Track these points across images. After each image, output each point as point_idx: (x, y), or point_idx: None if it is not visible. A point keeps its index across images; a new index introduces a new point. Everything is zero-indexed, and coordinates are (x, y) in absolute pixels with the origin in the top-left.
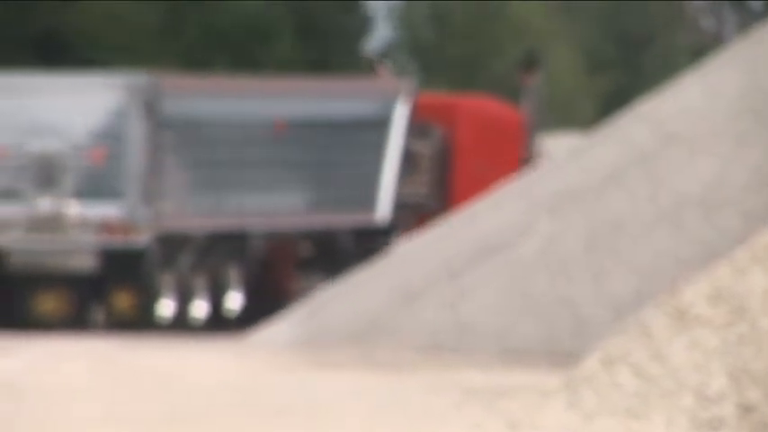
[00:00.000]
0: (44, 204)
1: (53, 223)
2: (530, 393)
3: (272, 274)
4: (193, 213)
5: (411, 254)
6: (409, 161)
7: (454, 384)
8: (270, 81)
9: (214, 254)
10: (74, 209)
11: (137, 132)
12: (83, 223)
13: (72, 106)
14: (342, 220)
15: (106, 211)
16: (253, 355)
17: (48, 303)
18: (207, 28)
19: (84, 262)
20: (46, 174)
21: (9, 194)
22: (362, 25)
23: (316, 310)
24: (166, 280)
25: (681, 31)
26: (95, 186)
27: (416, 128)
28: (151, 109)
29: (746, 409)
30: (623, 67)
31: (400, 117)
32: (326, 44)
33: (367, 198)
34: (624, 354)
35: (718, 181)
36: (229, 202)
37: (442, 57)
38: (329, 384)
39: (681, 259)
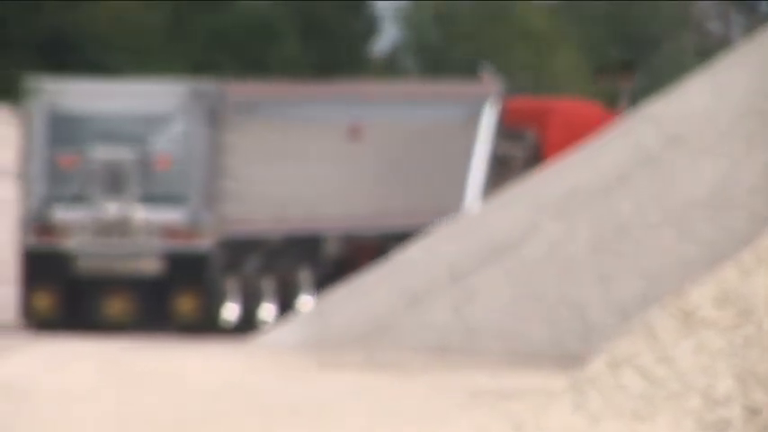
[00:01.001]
0: (111, 209)
1: (120, 228)
2: (535, 395)
3: (350, 276)
4: (258, 218)
5: (417, 256)
6: (501, 164)
7: (460, 386)
8: (343, 85)
9: (283, 257)
10: (139, 213)
11: (201, 139)
12: (148, 228)
13: (138, 113)
14: (426, 222)
15: (170, 215)
16: (259, 356)
17: (115, 306)
18: (213, 29)
19: (150, 265)
20: (113, 179)
21: (78, 200)
22: (368, 26)
23: (322, 312)
24: (231, 283)
25: (687, 32)
26: (160, 191)
27: (508, 131)
28: (215, 115)
29: (753, 412)
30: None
31: (488, 120)
32: (332, 45)
33: (452, 200)
34: (630, 356)
35: (724, 183)
36: (298, 206)
37: (448, 57)
38: (335, 386)
39: (687, 261)
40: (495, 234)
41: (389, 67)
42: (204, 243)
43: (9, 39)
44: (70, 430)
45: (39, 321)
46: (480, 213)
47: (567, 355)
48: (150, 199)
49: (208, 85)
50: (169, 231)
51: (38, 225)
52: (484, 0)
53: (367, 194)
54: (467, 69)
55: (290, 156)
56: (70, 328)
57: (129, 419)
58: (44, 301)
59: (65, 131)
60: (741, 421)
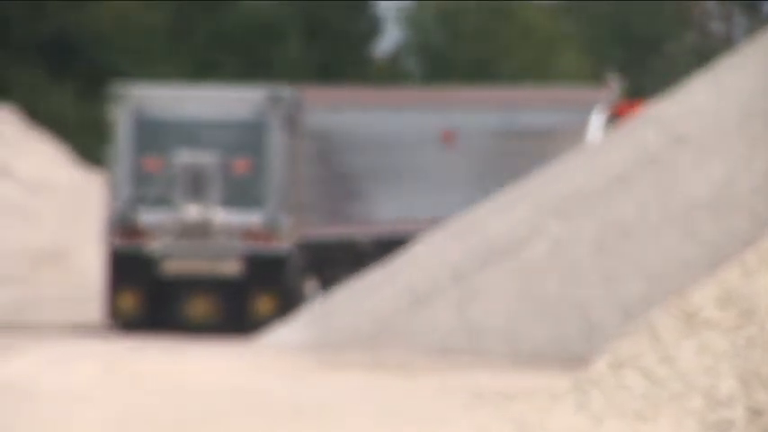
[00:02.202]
0: (193, 212)
1: (201, 230)
2: (538, 396)
3: None
4: (335, 221)
5: (421, 257)
6: None
7: (463, 387)
8: (425, 92)
9: (365, 260)
10: (220, 216)
11: (279, 144)
12: (228, 230)
13: (219, 118)
14: None
15: (249, 218)
16: (262, 356)
17: (198, 307)
18: (216, 30)
19: (230, 267)
20: (195, 183)
21: (161, 203)
22: (371, 27)
23: (325, 312)
24: (309, 285)
25: (690, 33)
26: (240, 195)
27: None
28: (293, 121)
29: (756, 412)
30: (632, 70)
31: (595, 126)
32: (336, 46)
33: None
34: (633, 356)
35: (727, 183)
36: (380, 209)
37: (451, 59)
38: (338, 386)
39: (690, 262)
40: (499, 235)
41: (392, 68)
42: (282, 245)
43: (11, 39)
44: (71, 430)
45: (124, 321)
46: (483, 214)
47: (569, 356)
48: (230, 202)
49: (286, 91)
50: (248, 234)
51: (123, 227)
52: (487, 0)
53: (457, 200)
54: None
55: (371, 159)
56: (153, 327)
57: (130, 419)
58: (129, 302)
59: (150, 136)
60: (743, 422)
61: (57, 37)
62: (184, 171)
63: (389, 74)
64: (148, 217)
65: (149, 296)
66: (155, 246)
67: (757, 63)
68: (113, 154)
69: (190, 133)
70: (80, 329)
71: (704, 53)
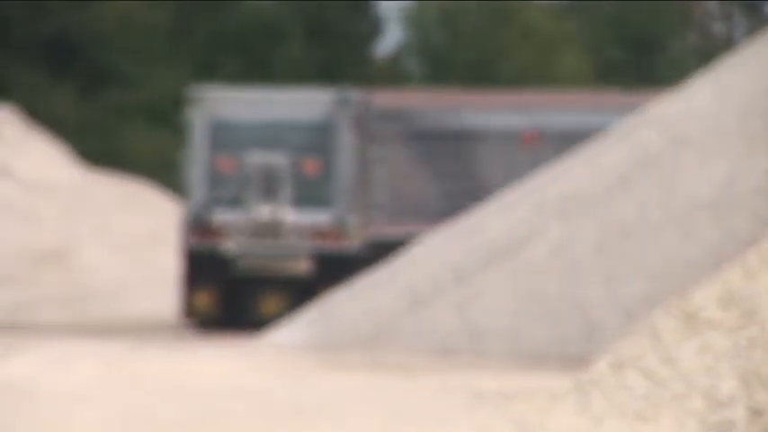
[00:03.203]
0: (264, 212)
1: (272, 229)
2: (539, 396)
3: None
4: (404, 221)
5: (421, 257)
6: None
7: (463, 387)
8: (497, 95)
9: None
10: (290, 216)
11: (347, 145)
12: (298, 229)
13: (290, 120)
14: None
15: (319, 218)
16: (263, 357)
17: (269, 305)
18: (216, 30)
19: (300, 266)
20: (267, 183)
21: (235, 202)
22: (372, 27)
23: (326, 312)
24: None
25: (691, 34)
26: (309, 195)
27: None
28: (361, 123)
29: (757, 413)
30: (633, 71)
31: None
32: (336, 46)
33: None
34: (634, 357)
35: (728, 184)
36: (449, 211)
37: (452, 59)
38: (339, 386)
39: (691, 262)
40: (499, 235)
41: (393, 68)
42: (351, 244)
43: (11, 39)
44: (71, 430)
45: (200, 319)
46: (484, 215)
47: (570, 357)
48: (300, 202)
49: (355, 93)
50: (317, 233)
51: (199, 227)
52: (488, 0)
53: None
54: (471, 70)
55: (440, 160)
56: (228, 325)
57: (130, 419)
58: (205, 300)
59: (224, 137)
60: (745, 422)
61: (57, 37)
62: (256, 172)
63: (390, 74)
64: (223, 217)
65: (224, 294)
66: (229, 245)
67: (758, 63)
68: (189, 155)
69: (262, 135)
70: (80, 329)
71: (705, 53)
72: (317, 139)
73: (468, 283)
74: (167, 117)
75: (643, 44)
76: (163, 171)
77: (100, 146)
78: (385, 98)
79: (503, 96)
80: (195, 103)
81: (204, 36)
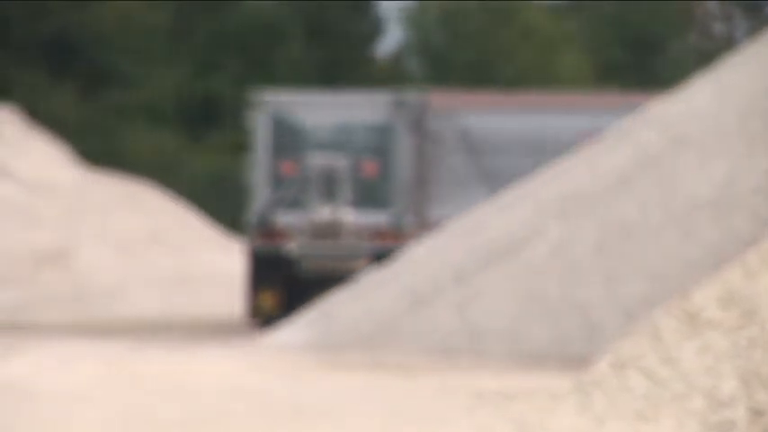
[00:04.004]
0: (324, 213)
1: (332, 230)
2: (540, 396)
3: None
4: None
5: (421, 257)
6: None
7: (464, 387)
8: (555, 96)
9: None
10: (349, 217)
11: (405, 147)
12: (357, 230)
13: (349, 122)
14: None
15: (377, 218)
16: (263, 357)
17: None
18: (217, 30)
19: (359, 266)
20: (327, 185)
21: (296, 204)
22: (373, 27)
23: (326, 312)
24: None
25: (692, 34)
26: (368, 196)
27: None
28: (419, 124)
29: (757, 413)
30: (634, 71)
31: None
32: (337, 46)
33: None
34: (634, 357)
35: (728, 184)
36: None
37: (453, 59)
38: (339, 386)
39: (691, 262)
40: (499, 235)
41: (394, 69)
42: (408, 244)
43: (11, 39)
44: (71, 430)
45: (264, 319)
46: (484, 215)
47: (571, 357)
48: (359, 203)
49: (411, 95)
50: (376, 233)
51: (263, 228)
52: (488, 0)
53: None
54: (471, 70)
55: (490, 163)
56: None
57: (130, 419)
58: (269, 300)
59: (285, 140)
60: (745, 422)
61: (57, 37)
62: (317, 173)
63: (391, 74)
64: (285, 218)
65: (287, 295)
66: (291, 246)
67: (758, 64)
68: (252, 158)
69: (322, 137)
70: (80, 329)
71: (705, 54)
72: (376, 140)
73: (468, 283)
74: (167, 117)
75: (643, 44)
76: (163, 171)
77: (100, 146)
78: (442, 99)
79: (558, 98)
80: (258, 106)
81: (204, 36)
